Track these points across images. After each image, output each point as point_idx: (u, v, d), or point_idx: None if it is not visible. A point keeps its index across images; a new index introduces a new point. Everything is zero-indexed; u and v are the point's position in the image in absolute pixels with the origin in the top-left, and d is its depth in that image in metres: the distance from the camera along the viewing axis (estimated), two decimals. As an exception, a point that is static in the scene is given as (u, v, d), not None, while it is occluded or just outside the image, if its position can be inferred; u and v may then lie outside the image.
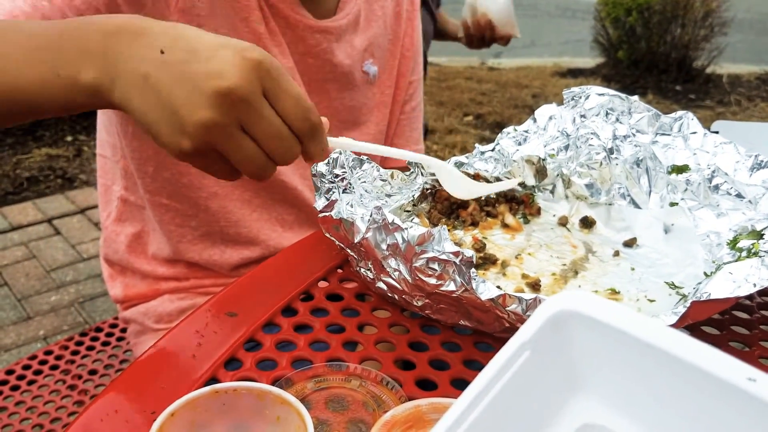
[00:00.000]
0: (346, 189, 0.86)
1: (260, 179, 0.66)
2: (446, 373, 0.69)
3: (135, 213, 1.14)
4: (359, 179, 0.90)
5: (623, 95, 0.96)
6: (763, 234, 0.76)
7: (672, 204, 0.89)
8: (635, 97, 0.96)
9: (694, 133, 0.91)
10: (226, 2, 0.98)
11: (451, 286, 0.70)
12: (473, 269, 0.69)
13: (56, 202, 3.40)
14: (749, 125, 1.11)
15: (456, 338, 0.74)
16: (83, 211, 3.28)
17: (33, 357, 1.48)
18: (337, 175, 0.86)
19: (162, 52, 0.61)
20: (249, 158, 0.64)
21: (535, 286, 0.79)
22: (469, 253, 0.69)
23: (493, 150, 0.98)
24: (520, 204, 0.96)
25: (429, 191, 0.95)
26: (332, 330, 0.74)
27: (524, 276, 0.82)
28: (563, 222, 0.93)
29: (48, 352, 1.50)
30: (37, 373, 1.44)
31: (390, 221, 0.72)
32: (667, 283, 0.80)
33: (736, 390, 0.39)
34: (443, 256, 0.69)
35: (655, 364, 0.42)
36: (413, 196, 0.94)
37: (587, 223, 0.92)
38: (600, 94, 0.97)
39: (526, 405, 0.43)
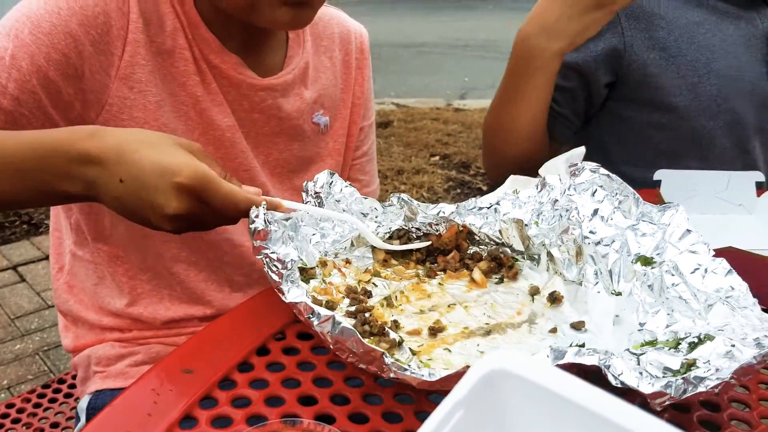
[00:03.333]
0: (320, 205, 0.96)
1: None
2: (399, 425, 0.71)
3: (83, 267, 1.16)
4: (336, 201, 0.99)
5: (614, 176, 0.94)
6: (680, 343, 0.74)
7: (615, 293, 0.87)
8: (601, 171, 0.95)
9: (677, 226, 0.87)
10: (164, 69, 1.02)
11: (284, 287, 0.78)
12: (293, 273, 0.79)
13: (21, 248, 3.38)
14: (690, 174, 1.16)
15: (409, 391, 0.76)
16: (48, 257, 3.26)
17: (-6, 410, 1.47)
18: (316, 193, 0.97)
19: (121, 181, 0.79)
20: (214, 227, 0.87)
21: (434, 330, 0.82)
22: (294, 256, 0.82)
23: (489, 208, 1.00)
24: (501, 266, 0.97)
25: (415, 232, 1.01)
26: (288, 385, 0.76)
27: (436, 322, 0.84)
28: (533, 292, 0.92)
29: (10, 405, 1.49)
30: (-1, 427, 1.42)
31: (254, 215, 0.82)
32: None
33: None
34: (273, 255, 0.80)
35: (583, 424, 0.44)
36: (390, 228, 1.00)
37: (553, 298, 0.90)
38: (592, 171, 0.96)
39: (460, 463, 0.46)
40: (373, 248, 0.99)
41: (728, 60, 1.36)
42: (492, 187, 1.07)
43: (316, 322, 0.73)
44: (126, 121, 0.99)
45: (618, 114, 1.43)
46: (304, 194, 0.98)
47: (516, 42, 1.23)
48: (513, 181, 1.08)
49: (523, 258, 0.98)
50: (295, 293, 0.77)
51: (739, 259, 0.90)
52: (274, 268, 0.79)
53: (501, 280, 0.95)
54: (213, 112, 1.06)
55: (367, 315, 0.83)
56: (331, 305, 0.85)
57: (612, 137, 1.46)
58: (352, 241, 0.99)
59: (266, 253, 0.80)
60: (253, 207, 0.82)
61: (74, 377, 1.56)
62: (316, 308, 0.73)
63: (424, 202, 1.02)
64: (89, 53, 0.94)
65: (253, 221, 0.81)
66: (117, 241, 1.10)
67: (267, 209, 0.85)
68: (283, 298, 0.77)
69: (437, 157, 4.78)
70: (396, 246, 0.99)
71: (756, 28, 1.39)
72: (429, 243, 0.99)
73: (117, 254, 1.11)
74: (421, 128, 5.34)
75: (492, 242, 1.00)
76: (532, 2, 1.24)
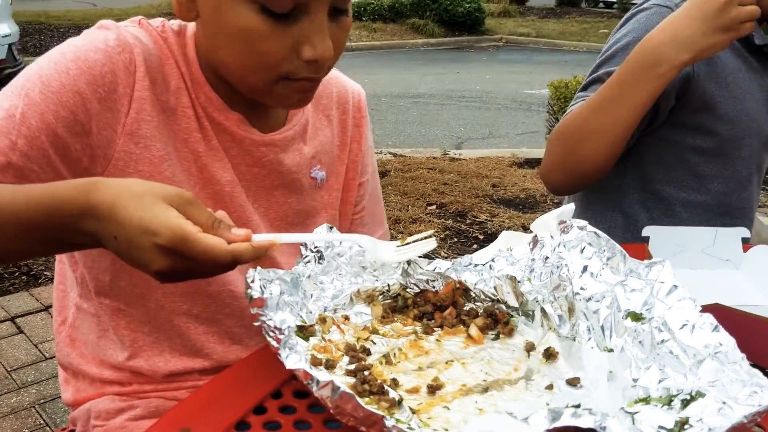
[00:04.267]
0: (320, 259, 1.00)
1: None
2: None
3: (87, 320, 1.18)
4: (338, 254, 1.02)
5: (601, 233, 0.97)
6: (672, 400, 0.75)
7: (607, 350, 0.89)
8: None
9: (663, 282, 0.89)
10: (168, 126, 1.06)
11: (283, 353, 0.79)
12: (290, 338, 0.80)
13: (20, 299, 3.38)
14: (677, 230, 1.18)
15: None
16: (47, 309, 3.27)
17: (-9, 467, 1.47)
18: (316, 247, 1.00)
19: (115, 238, 0.80)
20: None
21: (432, 388, 0.84)
22: (291, 321, 0.82)
23: (484, 265, 1.04)
24: (497, 322, 0.99)
25: (411, 289, 1.04)
26: (285, 443, 0.78)
27: (435, 379, 0.86)
28: (529, 348, 0.94)
29: (6, 461, 1.49)
30: (-5, 483, 1.42)
31: (249, 280, 0.83)
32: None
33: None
34: (270, 323, 0.81)
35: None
36: (388, 284, 1.03)
37: (548, 354, 0.92)
38: (580, 228, 0.99)
39: None
40: (371, 305, 1.01)
41: (753, 103, 1.58)
42: (489, 236, 1.10)
43: (315, 388, 0.75)
44: (132, 174, 1.02)
45: (664, 137, 1.57)
46: (302, 248, 1.00)
47: (641, 49, 1.33)
48: (506, 237, 1.11)
49: (518, 314, 1.00)
50: (293, 360, 0.78)
51: (725, 317, 0.92)
52: (272, 334, 0.81)
53: (497, 336, 0.97)
54: (214, 167, 1.10)
55: (366, 373, 0.85)
56: (330, 364, 0.87)
57: (653, 158, 1.60)
58: (351, 297, 1.01)
59: (263, 320, 0.82)
60: (250, 271, 0.83)
61: (72, 432, 1.57)
62: (314, 374, 0.75)
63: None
64: (96, 110, 0.98)
65: (249, 287, 0.83)
66: (118, 296, 1.13)
67: (259, 250, 0.85)
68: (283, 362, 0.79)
69: (434, 207, 4.83)
70: (406, 251, 1.00)
71: (765, 81, 1.62)
72: (432, 240, 1.02)
73: (118, 308, 1.14)
74: (417, 177, 5.40)
75: (487, 299, 1.02)
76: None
